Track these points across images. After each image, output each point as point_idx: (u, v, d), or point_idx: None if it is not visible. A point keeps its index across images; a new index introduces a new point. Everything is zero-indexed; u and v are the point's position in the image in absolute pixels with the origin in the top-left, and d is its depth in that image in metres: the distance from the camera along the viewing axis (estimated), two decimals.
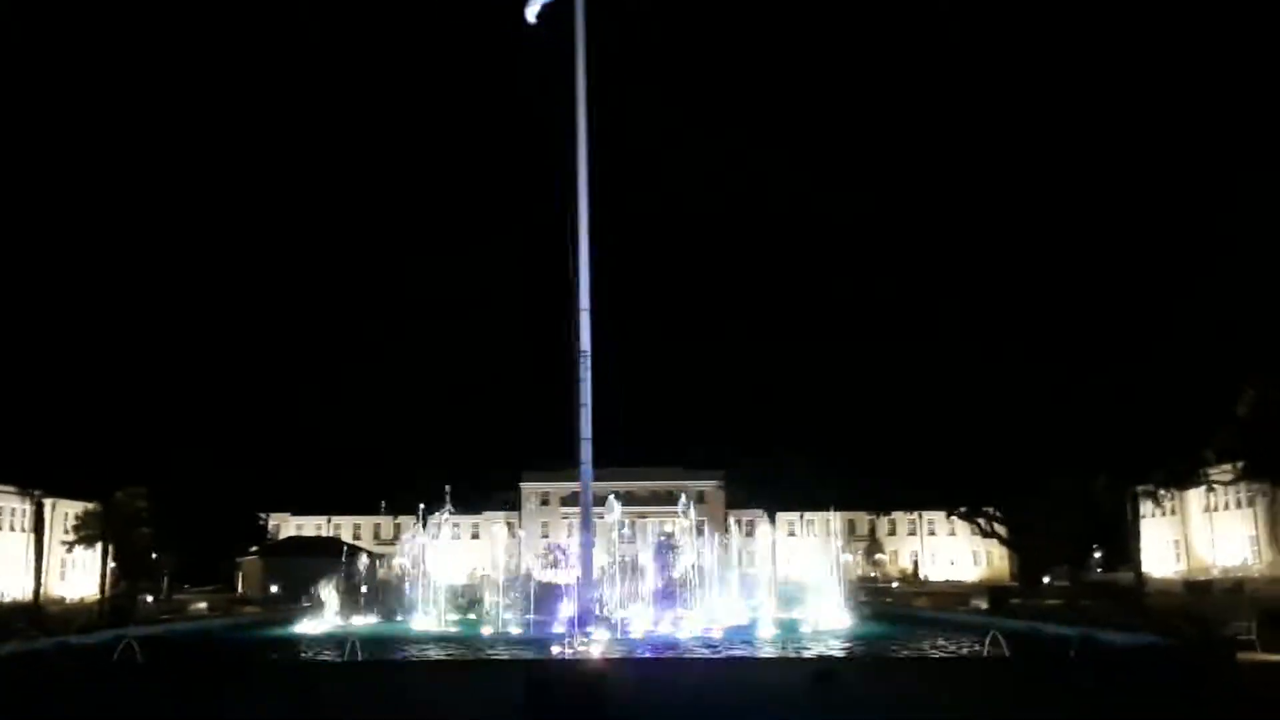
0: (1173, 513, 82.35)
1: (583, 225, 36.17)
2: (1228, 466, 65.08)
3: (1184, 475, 60.49)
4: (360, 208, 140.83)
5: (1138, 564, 57.66)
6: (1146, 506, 66.84)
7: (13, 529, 79.01)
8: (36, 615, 40.19)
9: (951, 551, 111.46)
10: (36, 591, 61.48)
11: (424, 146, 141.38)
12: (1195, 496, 79.29)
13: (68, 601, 68.44)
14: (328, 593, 47.48)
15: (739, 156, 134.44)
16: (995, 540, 73.08)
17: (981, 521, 69.98)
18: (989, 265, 59.24)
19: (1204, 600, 51.12)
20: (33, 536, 64.27)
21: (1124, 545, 64.22)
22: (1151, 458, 54.27)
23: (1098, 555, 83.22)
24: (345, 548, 69.89)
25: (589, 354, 35.32)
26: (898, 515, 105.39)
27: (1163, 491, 64.11)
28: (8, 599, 66.73)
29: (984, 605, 47.40)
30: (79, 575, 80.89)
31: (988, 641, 25.02)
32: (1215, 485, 70.10)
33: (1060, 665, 21.72)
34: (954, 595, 59.59)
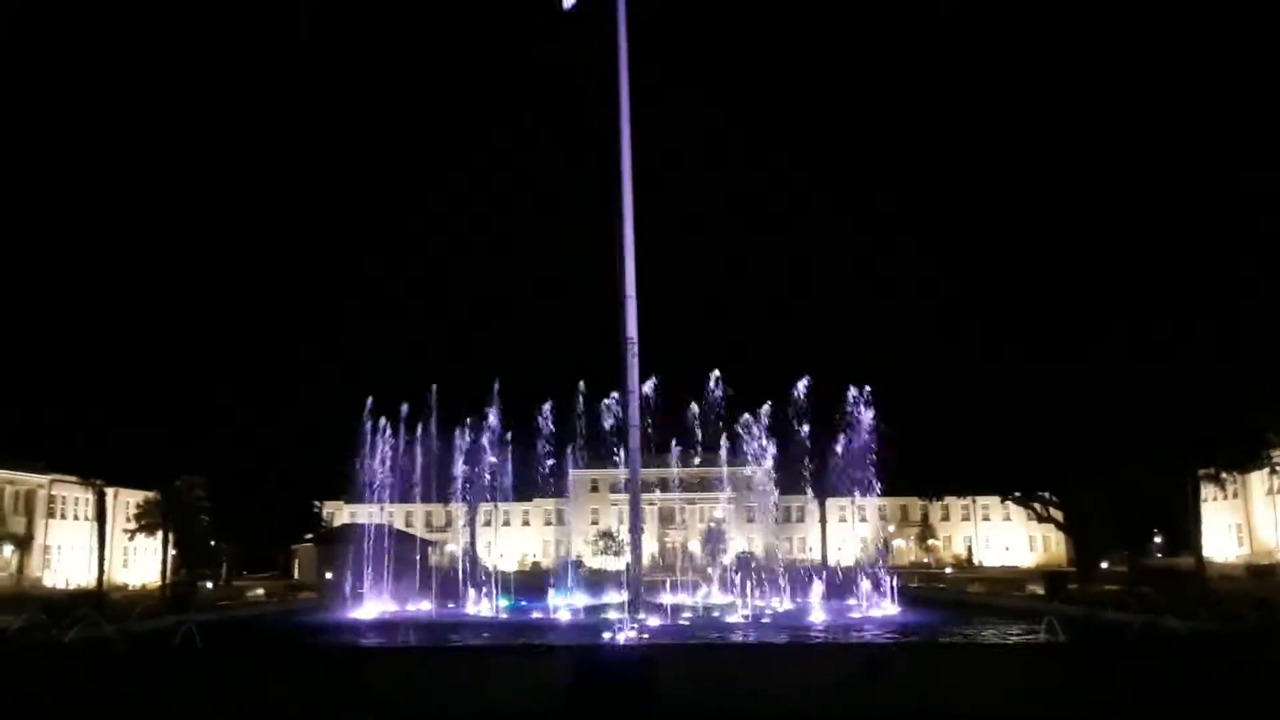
0: (1234, 496, 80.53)
1: (627, 213, 36.19)
2: None
3: (1246, 457, 58.98)
4: (404, 202, 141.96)
5: (1198, 548, 56.46)
6: (1207, 490, 65.32)
7: (76, 518, 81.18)
8: (100, 602, 41.03)
9: (1006, 537, 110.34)
10: (100, 579, 63.04)
11: (461, 148, 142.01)
12: (1258, 479, 77.41)
13: (130, 588, 70.14)
14: (382, 579, 48.22)
15: (778, 153, 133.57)
16: (1051, 525, 71.88)
17: (1037, 506, 68.90)
18: (1048, 248, 57.81)
19: (1267, 585, 50.04)
20: (95, 525, 65.79)
21: (1184, 530, 62.93)
22: (1213, 440, 52.94)
23: (1157, 540, 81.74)
24: (399, 535, 70.79)
25: (635, 341, 35.37)
26: (951, 501, 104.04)
27: (1224, 475, 62.63)
28: (72, 586, 68.53)
29: (1040, 591, 46.75)
30: (141, 563, 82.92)
31: (1043, 627, 24.65)
32: (1278, 468, 68.40)
33: (1119, 652, 21.30)
34: (1009, 581, 58.86)
